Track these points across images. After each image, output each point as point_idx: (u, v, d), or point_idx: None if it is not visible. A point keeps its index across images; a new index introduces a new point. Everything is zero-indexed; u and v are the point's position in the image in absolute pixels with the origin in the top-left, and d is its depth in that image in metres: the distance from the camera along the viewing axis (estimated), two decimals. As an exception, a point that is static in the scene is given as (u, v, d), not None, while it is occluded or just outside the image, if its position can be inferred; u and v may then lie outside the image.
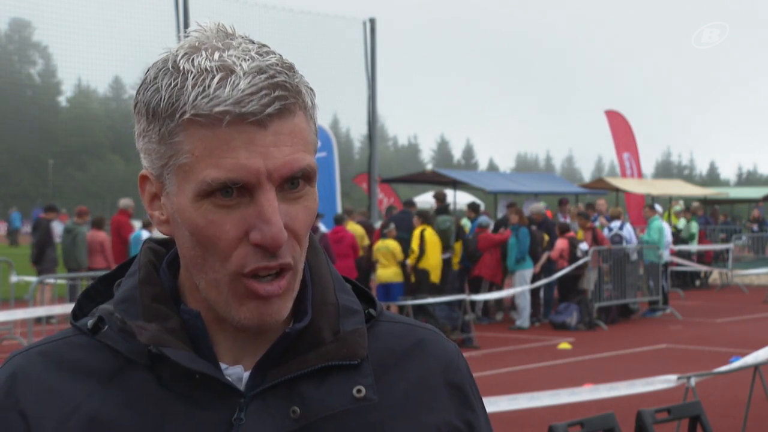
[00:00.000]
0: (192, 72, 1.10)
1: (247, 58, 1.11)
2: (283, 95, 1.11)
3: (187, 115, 1.10)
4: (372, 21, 21.13)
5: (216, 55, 1.11)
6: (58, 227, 19.96)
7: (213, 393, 1.16)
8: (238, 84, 1.09)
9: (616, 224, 17.63)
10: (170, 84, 1.11)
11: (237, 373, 1.19)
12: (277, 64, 1.12)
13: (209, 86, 1.09)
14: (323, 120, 23.26)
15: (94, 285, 1.29)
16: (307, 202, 1.16)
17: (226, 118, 1.09)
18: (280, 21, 21.05)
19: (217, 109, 1.09)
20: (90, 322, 1.22)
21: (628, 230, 17.69)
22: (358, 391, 1.20)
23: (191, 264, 1.16)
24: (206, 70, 1.10)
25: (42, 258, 15.94)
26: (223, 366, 1.19)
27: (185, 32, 1.17)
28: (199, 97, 1.09)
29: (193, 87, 1.10)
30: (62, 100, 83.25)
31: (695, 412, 5.46)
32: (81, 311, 1.26)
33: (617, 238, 17.35)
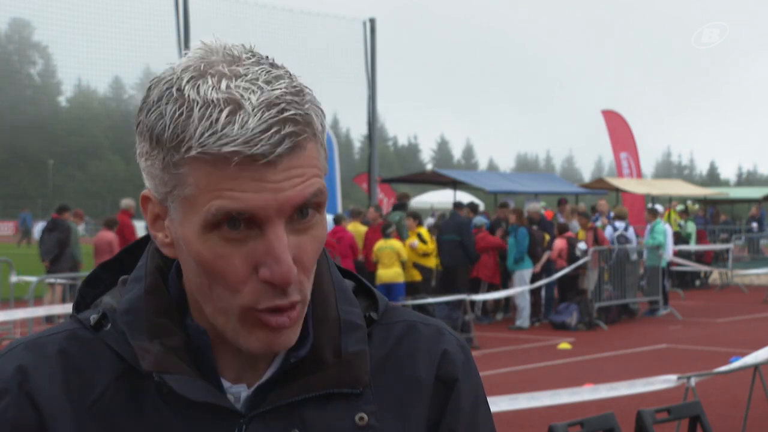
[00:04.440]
0: (198, 102, 1.06)
1: (255, 89, 1.07)
2: (293, 131, 1.07)
3: (193, 152, 1.06)
4: (372, 21, 21.12)
5: (223, 85, 1.06)
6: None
7: (212, 412, 1.15)
8: (247, 122, 1.05)
9: (621, 225, 17.60)
10: (175, 113, 1.07)
11: (239, 392, 1.18)
12: (287, 93, 1.08)
13: (216, 121, 1.05)
14: (323, 120, 23.16)
15: (95, 272, 1.26)
16: (316, 232, 1.13)
17: (234, 159, 1.05)
18: (280, 21, 21.03)
19: (225, 149, 1.04)
20: (93, 318, 1.20)
21: (631, 232, 17.67)
22: (361, 418, 1.18)
23: (197, 291, 1.14)
24: (213, 102, 1.05)
25: (60, 257, 16.01)
26: (226, 384, 1.18)
27: (185, 51, 1.13)
28: (206, 134, 1.05)
29: (199, 121, 1.05)
30: (62, 100, 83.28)
31: (695, 412, 5.46)
32: (84, 300, 1.25)
33: (622, 239, 17.32)
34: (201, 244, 1.09)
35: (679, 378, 6.73)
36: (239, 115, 1.05)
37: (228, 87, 1.07)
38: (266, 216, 1.07)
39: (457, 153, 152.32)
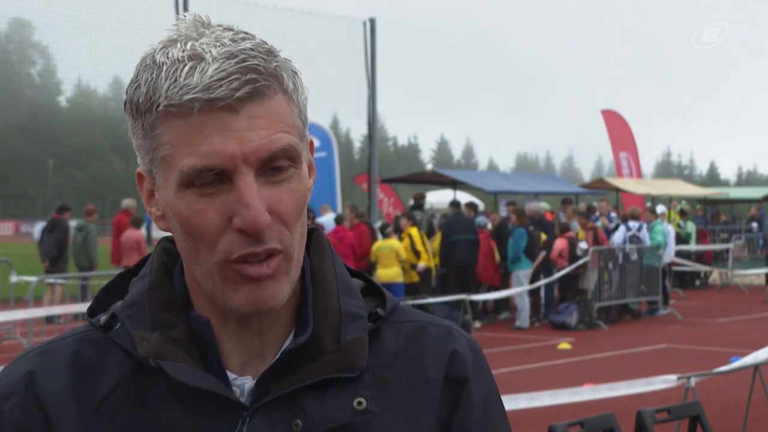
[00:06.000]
0: (166, 63, 1.11)
1: (218, 44, 1.11)
2: (254, 78, 1.10)
3: (161, 107, 1.10)
4: (372, 21, 21.09)
5: (188, 45, 1.11)
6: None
7: (217, 405, 1.15)
8: (207, 70, 1.09)
9: (634, 225, 17.55)
10: (148, 78, 1.12)
11: (245, 383, 1.18)
12: (252, 49, 1.11)
13: (180, 75, 1.09)
14: (323, 120, 23.23)
15: (113, 281, 1.29)
16: (292, 184, 1.14)
17: (195, 106, 1.09)
18: (280, 21, 21.04)
19: (186, 97, 1.09)
20: (103, 319, 1.22)
21: (644, 232, 17.64)
22: (359, 403, 1.18)
23: (186, 256, 1.16)
24: (178, 60, 1.10)
25: (60, 258, 16.03)
26: (231, 376, 1.18)
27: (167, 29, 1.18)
28: (171, 88, 1.10)
29: (166, 78, 1.10)
30: (62, 100, 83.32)
31: (695, 412, 5.46)
32: (99, 307, 1.26)
33: (635, 239, 17.28)
34: (179, 201, 1.12)
35: (679, 378, 6.72)
36: (200, 66, 1.09)
37: (193, 46, 1.11)
38: (234, 166, 1.10)
39: (457, 153, 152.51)
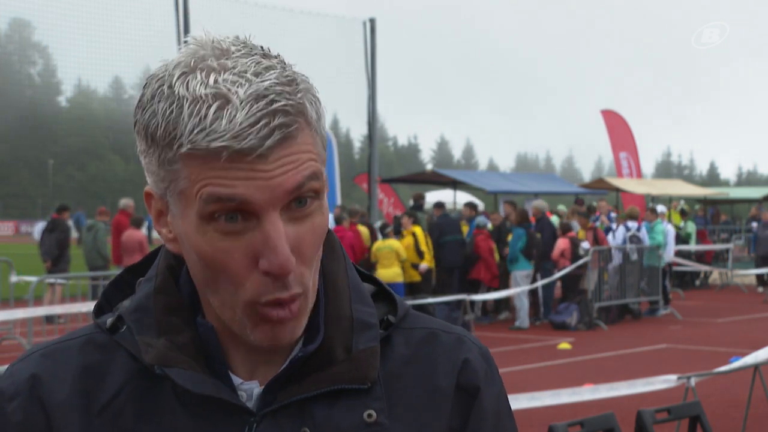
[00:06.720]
0: (187, 99, 1.06)
1: (244, 81, 1.06)
2: (283, 123, 1.06)
3: (184, 149, 1.06)
4: (372, 21, 21.10)
5: (211, 80, 1.06)
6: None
7: (223, 410, 1.14)
8: (235, 116, 1.04)
9: (633, 225, 17.55)
10: (166, 111, 1.07)
11: (251, 389, 1.17)
12: (277, 84, 1.07)
13: (205, 117, 1.05)
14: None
15: (121, 275, 1.27)
16: (315, 219, 1.12)
17: (223, 154, 1.05)
18: (280, 21, 21.05)
19: (214, 144, 1.05)
20: (109, 321, 1.20)
21: (644, 232, 17.63)
22: (369, 415, 1.17)
23: (203, 284, 1.14)
24: (201, 98, 1.06)
25: (61, 258, 16.05)
26: (237, 381, 1.17)
27: (179, 46, 1.13)
28: (196, 130, 1.05)
29: (189, 117, 1.06)
30: (62, 100, 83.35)
31: (695, 412, 5.46)
32: (108, 303, 1.25)
33: (635, 239, 17.28)
34: (200, 237, 1.09)
35: (679, 378, 6.73)
36: (227, 110, 1.05)
37: (216, 81, 1.06)
38: (261, 206, 1.07)
39: (457, 153, 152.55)
